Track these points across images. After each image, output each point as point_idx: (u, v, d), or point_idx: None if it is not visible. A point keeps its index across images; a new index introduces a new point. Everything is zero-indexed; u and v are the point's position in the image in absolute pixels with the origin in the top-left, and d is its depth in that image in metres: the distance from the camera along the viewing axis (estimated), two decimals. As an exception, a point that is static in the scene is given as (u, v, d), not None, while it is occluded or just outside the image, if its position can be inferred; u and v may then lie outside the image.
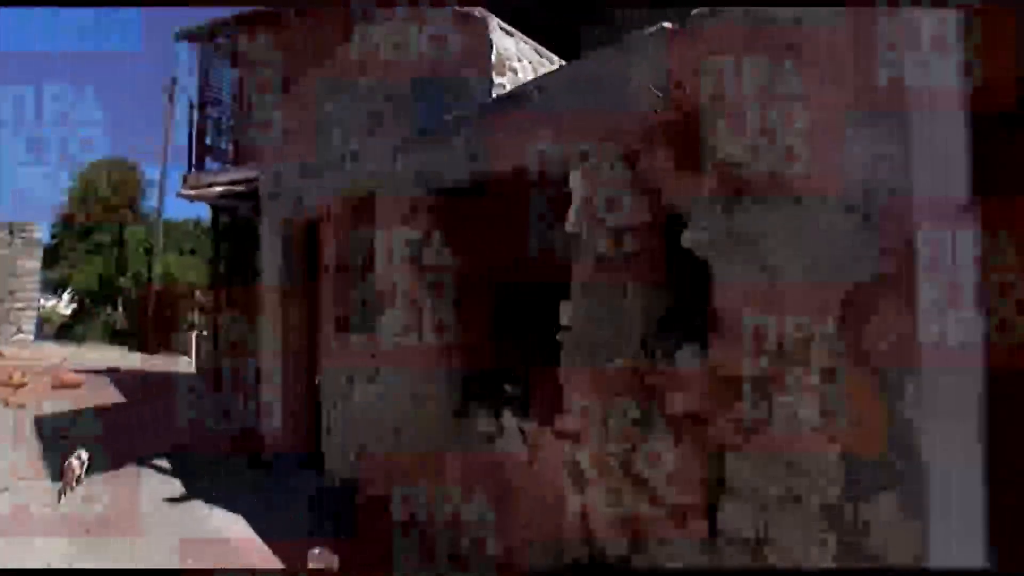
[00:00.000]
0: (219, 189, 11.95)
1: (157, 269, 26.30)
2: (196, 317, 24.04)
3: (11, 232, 23.74)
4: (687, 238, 3.75)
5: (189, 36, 13.38)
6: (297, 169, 8.45)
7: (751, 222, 3.44)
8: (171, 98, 27.20)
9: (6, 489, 7.63)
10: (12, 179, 21.73)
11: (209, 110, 14.10)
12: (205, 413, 10.92)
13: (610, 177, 4.22)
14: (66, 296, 32.76)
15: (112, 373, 16.31)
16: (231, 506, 7.28)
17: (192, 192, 12.34)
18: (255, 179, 10.71)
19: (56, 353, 22.06)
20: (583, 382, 4.42)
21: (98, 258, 29.66)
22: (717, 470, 3.61)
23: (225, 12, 13.32)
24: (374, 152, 7.00)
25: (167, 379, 15.01)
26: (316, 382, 8.42)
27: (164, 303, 25.75)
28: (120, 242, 29.85)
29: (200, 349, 12.60)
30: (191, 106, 13.69)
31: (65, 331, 29.81)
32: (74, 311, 32.53)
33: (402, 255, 6.35)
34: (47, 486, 7.81)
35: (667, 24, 3.94)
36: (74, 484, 7.64)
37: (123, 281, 28.20)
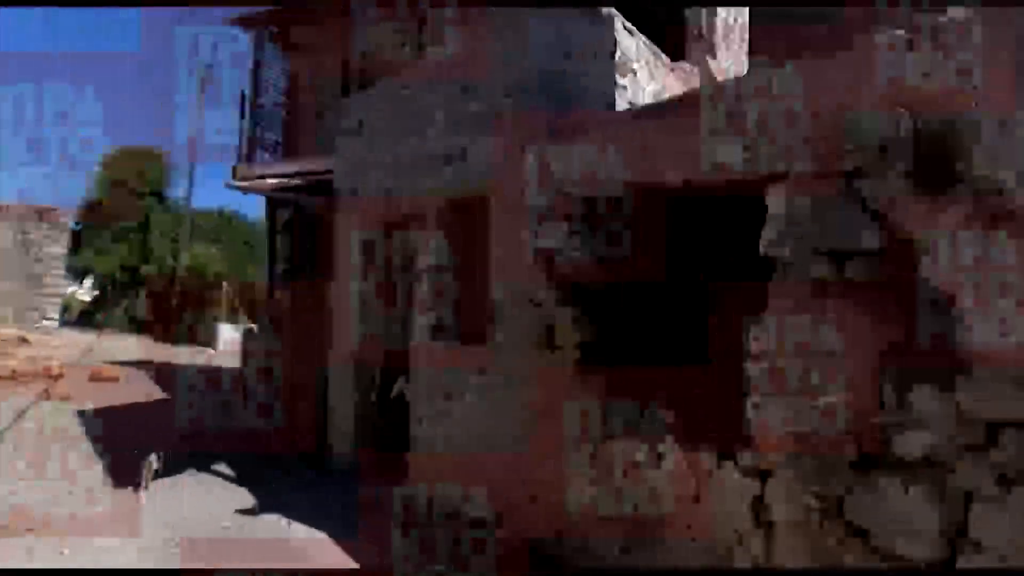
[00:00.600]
0: (273, 181, 11.50)
1: (183, 259, 25.89)
2: (223, 309, 23.63)
3: (40, 217, 23.35)
4: (927, 268, 3.29)
5: (243, 21, 12.90)
6: (382, 165, 8.00)
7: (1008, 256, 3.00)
8: (202, 87, 26.87)
9: (70, 493, 7.20)
10: (39, 163, 21.29)
11: (261, 100, 13.66)
12: (257, 414, 10.48)
13: (826, 195, 3.75)
14: (88, 283, 32.36)
15: (146, 366, 15.90)
16: (311, 520, 6.83)
17: (244, 183, 11.89)
18: (316, 172, 10.26)
19: (81, 341, 21.70)
20: (779, 416, 3.95)
21: (122, 245, 29.24)
22: (957, 520, 3.17)
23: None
24: (486, 150, 6.56)
25: (208, 375, 14.57)
26: (395, 391, 7.97)
27: (189, 294, 25.35)
28: (145, 230, 29.42)
29: (249, 345, 12.08)
30: (242, 95, 13.22)
31: (86, 318, 29.43)
32: (95, 298, 32.14)
33: (530, 259, 5.87)
34: (110, 490, 7.38)
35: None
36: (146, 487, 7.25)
37: (147, 269, 27.78)
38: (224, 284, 23.66)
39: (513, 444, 6.05)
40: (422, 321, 7.32)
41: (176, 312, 25.20)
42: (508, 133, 6.40)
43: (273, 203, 11.95)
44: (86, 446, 8.93)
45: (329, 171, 9.83)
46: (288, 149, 13.62)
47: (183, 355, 20.94)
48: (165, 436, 9.38)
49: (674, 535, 4.86)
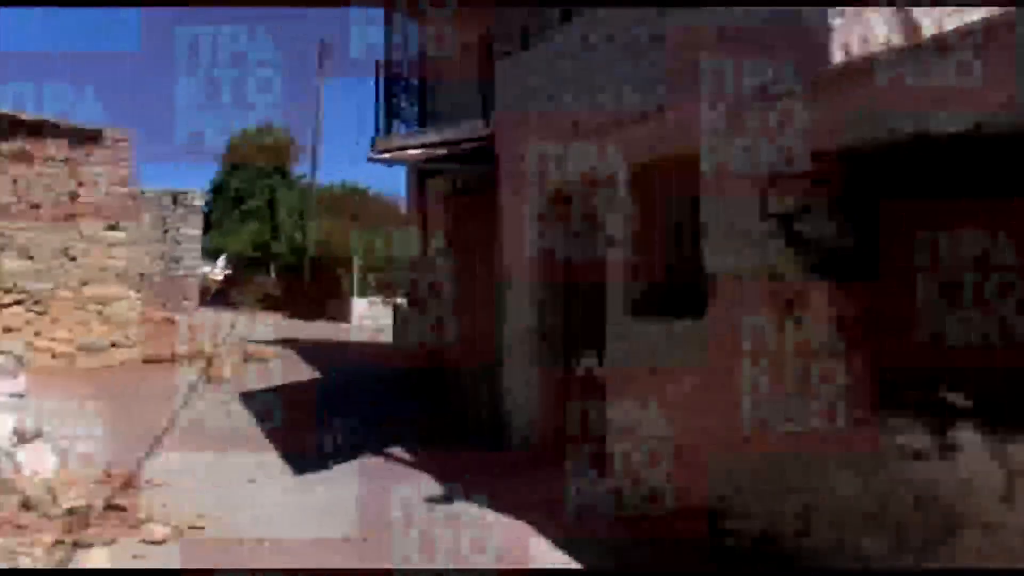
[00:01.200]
0: (416, 152, 10.92)
1: (312, 235, 25.95)
2: (355, 283, 23.53)
3: (174, 200, 23.69)
4: None
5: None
6: (553, 128, 7.28)
7: None
8: (321, 62, 26.75)
9: (253, 480, 6.84)
10: (170, 147, 21.48)
11: (396, 70, 13.12)
12: (423, 396, 10.05)
13: None
14: (220, 262, 33.07)
15: (292, 344, 15.77)
16: (507, 509, 6.25)
17: (386, 155, 11.36)
18: (468, 140, 9.61)
19: (220, 320, 21.98)
20: None
21: (251, 224, 29.65)
22: None
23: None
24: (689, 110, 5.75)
25: (359, 352, 14.29)
26: (578, 368, 7.32)
27: (319, 269, 25.41)
28: (272, 208, 29.76)
29: (402, 322, 11.70)
30: (376, 66, 12.66)
31: (220, 297, 30.02)
32: (227, 277, 32.83)
33: (762, 229, 5.06)
34: (294, 476, 7.01)
35: None
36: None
37: (276, 247, 28.04)
38: (355, 258, 23.53)
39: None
40: (616, 294, 6.60)
41: (308, 288, 25.31)
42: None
43: (420, 174, 11.40)
44: (255, 431, 8.63)
45: (481, 139, 9.20)
46: (424, 119, 13.08)
47: (321, 331, 20.93)
48: (331, 419, 9.02)
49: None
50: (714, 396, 5.51)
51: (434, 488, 6.88)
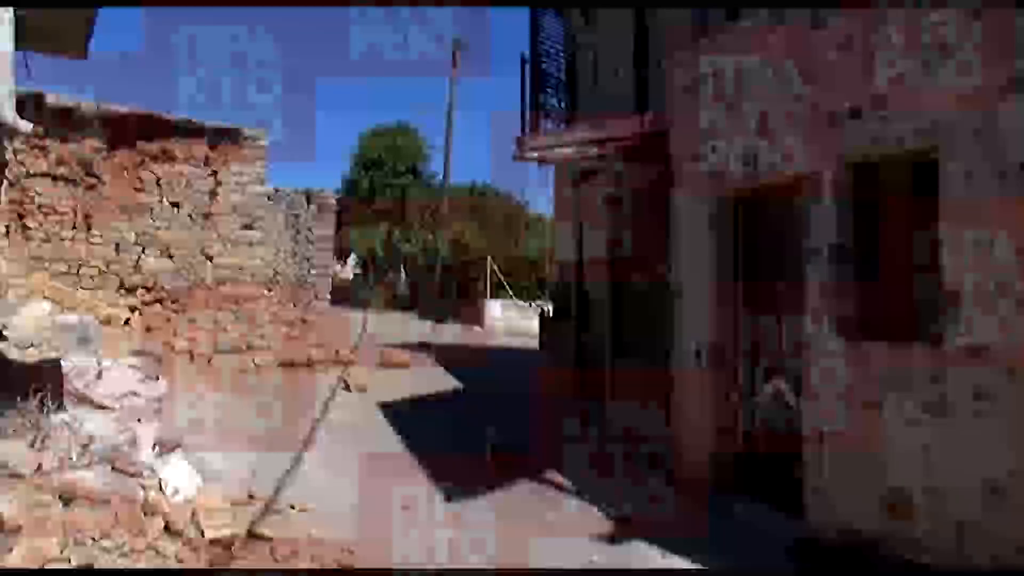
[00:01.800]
0: (568, 150, 10.01)
1: (443, 235, 25.49)
2: (488, 286, 22.90)
3: (307, 199, 23.57)
4: None
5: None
6: (742, 123, 6.26)
7: None
8: (455, 61, 26.26)
9: (406, 508, 6.09)
10: (305, 146, 21.36)
11: (543, 64, 12.34)
12: (579, 411, 9.17)
13: None
14: (350, 261, 33.16)
15: (428, 348, 15.17)
16: (693, 555, 5.29)
17: (534, 154, 10.51)
18: (622, 138, 8.63)
19: (352, 320, 21.74)
20: None
21: (383, 224, 29.48)
22: None
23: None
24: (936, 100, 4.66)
25: (501, 359, 13.52)
26: (764, 392, 6.29)
27: (451, 270, 24.91)
28: (403, 208, 29.53)
29: (551, 330, 10.85)
30: (522, 61, 11.86)
31: (351, 297, 30.01)
32: (356, 276, 32.87)
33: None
34: (447, 503, 6.23)
35: None
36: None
37: (407, 248, 27.74)
38: (488, 260, 22.89)
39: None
40: (819, 310, 5.52)
41: (440, 289, 24.86)
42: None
43: (573, 174, 10.48)
44: (400, 448, 7.91)
45: (646, 135, 8.23)
46: (573, 116, 12.23)
47: (455, 334, 20.37)
48: (475, 436, 8.24)
49: None
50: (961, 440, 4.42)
51: (604, 525, 5.98)
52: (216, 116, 15.45)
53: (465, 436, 8.04)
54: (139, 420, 7.35)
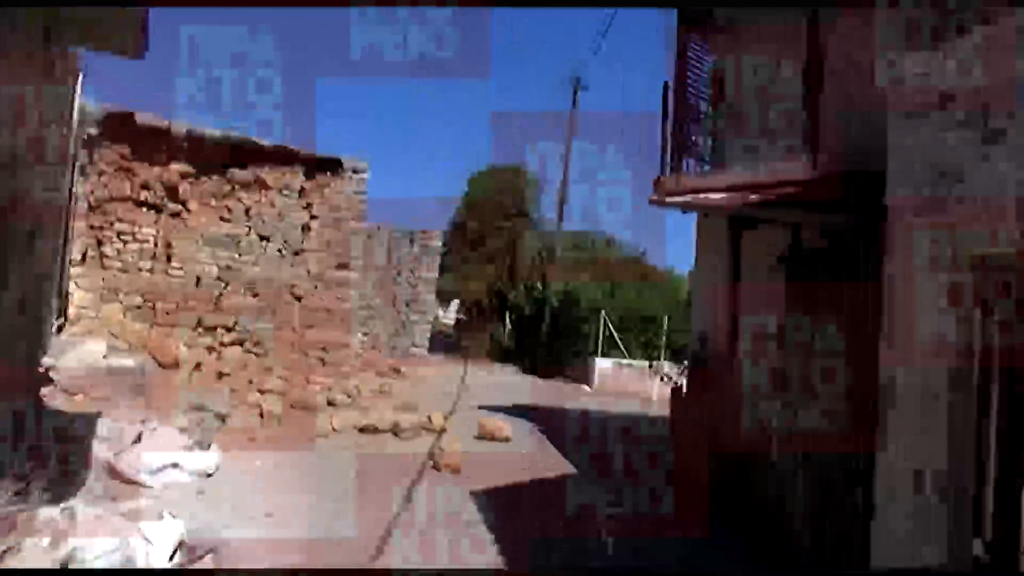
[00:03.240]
0: (719, 196, 8.00)
1: (553, 284, 23.65)
2: (600, 341, 20.89)
3: (411, 241, 22.22)
4: None
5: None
6: (1004, 155, 4.12)
7: None
8: (574, 100, 24.70)
9: None
10: (412, 185, 20.01)
11: (690, 98, 10.47)
12: (736, 525, 7.06)
13: None
14: (453, 307, 31.70)
15: (531, 412, 13.25)
16: None
17: (678, 199, 8.56)
18: (794, 182, 6.59)
19: (449, 371, 20.04)
20: None
21: (489, 268, 27.90)
22: None
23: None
24: None
25: (619, 432, 11.44)
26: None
27: (560, 322, 23.00)
28: (513, 252, 27.91)
29: (683, 409, 8.82)
30: (665, 90, 9.94)
31: (450, 345, 28.46)
32: (458, 323, 31.34)
33: None
34: None
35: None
36: None
37: (514, 295, 25.99)
38: (602, 313, 20.91)
39: None
40: None
41: (546, 342, 22.98)
42: None
43: (738, 223, 8.39)
44: (499, 560, 5.98)
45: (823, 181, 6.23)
46: (720, 156, 10.28)
47: (559, 393, 18.40)
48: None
49: None
50: None
51: None
52: (309, 146, 14.13)
53: (588, 547, 6.07)
54: (169, 515, 5.63)
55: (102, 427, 7.27)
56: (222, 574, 5.01)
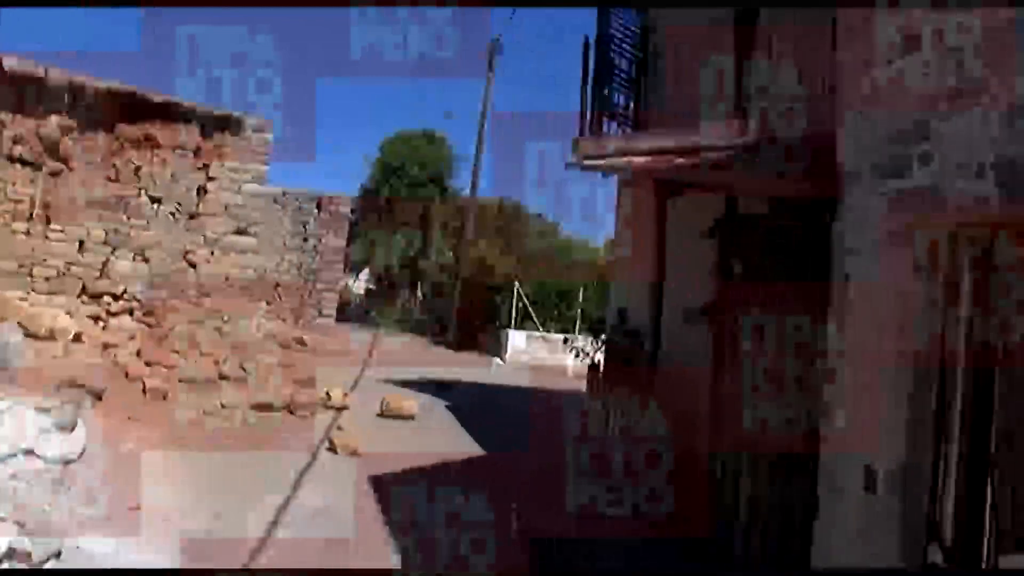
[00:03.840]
0: (641, 160, 7.56)
1: (466, 255, 23.10)
2: (514, 314, 20.47)
3: (318, 206, 21.26)
4: None
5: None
6: (969, 122, 3.73)
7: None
8: (490, 63, 24.02)
9: None
10: (319, 146, 19.15)
11: (613, 56, 10.05)
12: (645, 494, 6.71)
13: None
14: (363, 276, 30.84)
15: (441, 388, 12.74)
16: None
17: (600, 162, 8.10)
18: (732, 147, 6.20)
19: (357, 341, 19.33)
20: None
21: (400, 238, 27.15)
22: None
23: None
24: None
25: (533, 408, 11.00)
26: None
27: (473, 294, 22.49)
28: (424, 222, 27.20)
29: (601, 390, 8.43)
30: (585, 48, 9.42)
31: (360, 314, 27.68)
32: (368, 292, 30.56)
33: None
34: None
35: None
36: None
37: (425, 265, 25.36)
38: (516, 285, 20.48)
39: None
40: None
41: (458, 313, 22.45)
42: None
43: (661, 190, 7.95)
44: (393, 558, 5.48)
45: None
46: (638, 119, 9.88)
47: (472, 366, 17.95)
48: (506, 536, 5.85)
49: None
50: None
51: None
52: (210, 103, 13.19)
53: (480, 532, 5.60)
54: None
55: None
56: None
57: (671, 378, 7.39)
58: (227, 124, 13.38)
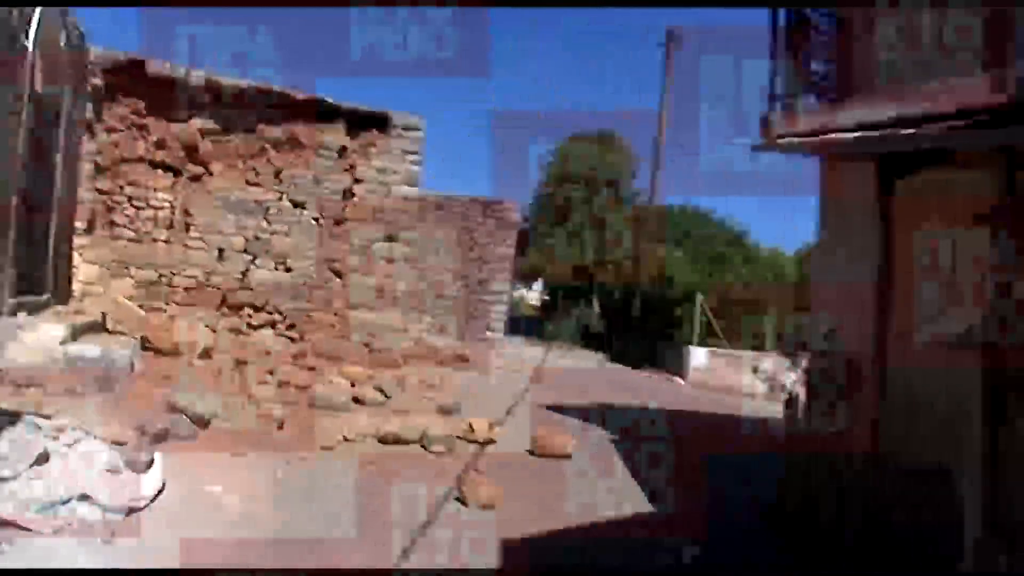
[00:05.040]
0: (851, 136, 5.57)
1: (647, 265, 21.22)
2: (696, 329, 18.41)
3: (483, 212, 20.09)
4: None
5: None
6: None
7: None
8: (668, 54, 22.06)
9: None
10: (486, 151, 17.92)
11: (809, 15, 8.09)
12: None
13: None
14: (536, 287, 29.54)
15: (611, 415, 11.00)
16: None
17: (798, 140, 6.20)
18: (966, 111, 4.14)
19: (527, 358, 17.88)
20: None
21: (575, 247, 25.59)
22: None
23: None
24: None
25: (728, 445, 9.09)
26: None
27: (653, 306, 20.59)
28: (601, 229, 25.50)
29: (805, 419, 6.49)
30: (772, 15, 7.50)
31: (532, 328, 26.34)
32: (544, 305, 29.21)
33: None
34: None
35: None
36: None
37: (602, 275, 23.66)
38: (698, 297, 18.41)
39: None
40: None
41: (636, 327, 20.61)
42: None
43: (885, 171, 5.89)
44: None
45: None
46: (844, 88, 7.79)
47: (648, 387, 16.11)
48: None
49: None
50: None
51: None
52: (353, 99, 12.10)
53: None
54: None
55: (12, 438, 5.42)
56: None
57: (908, 426, 5.31)
58: (375, 123, 12.29)
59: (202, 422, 7.20)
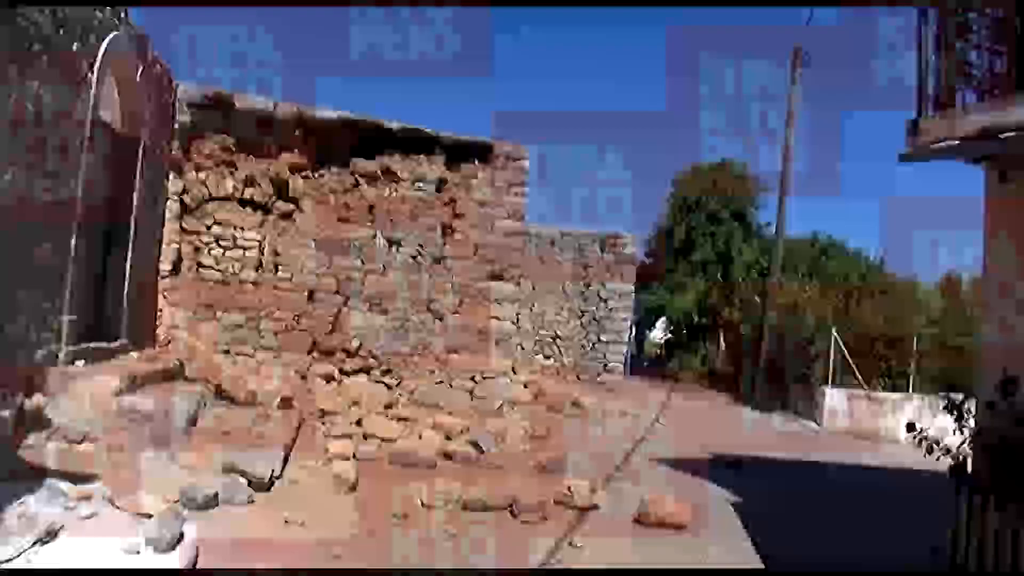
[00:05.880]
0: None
1: (776, 298, 19.63)
2: (831, 367, 16.70)
3: (601, 247, 19.06)
4: None
5: None
6: None
7: None
8: (793, 78, 20.54)
9: None
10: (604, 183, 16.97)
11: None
12: None
13: None
14: (659, 325, 28.17)
15: (738, 469, 9.71)
16: None
17: (952, 144, 4.98)
18: None
19: (646, 403, 16.59)
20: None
21: (699, 281, 24.16)
22: None
23: None
24: None
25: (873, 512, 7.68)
26: None
27: (782, 343, 18.96)
28: (726, 263, 24.02)
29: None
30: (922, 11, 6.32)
31: (653, 368, 24.96)
32: (667, 343, 27.78)
33: None
34: None
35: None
36: None
37: (728, 312, 22.16)
38: (833, 332, 16.74)
39: None
40: None
41: (765, 368, 19.01)
42: None
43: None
44: None
45: None
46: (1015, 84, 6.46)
47: (779, 433, 14.58)
48: None
49: None
50: None
51: None
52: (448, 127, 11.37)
53: None
54: None
55: (21, 509, 4.75)
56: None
57: None
58: (476, 152, 11.49)
59: (262, 485, 6.39)
